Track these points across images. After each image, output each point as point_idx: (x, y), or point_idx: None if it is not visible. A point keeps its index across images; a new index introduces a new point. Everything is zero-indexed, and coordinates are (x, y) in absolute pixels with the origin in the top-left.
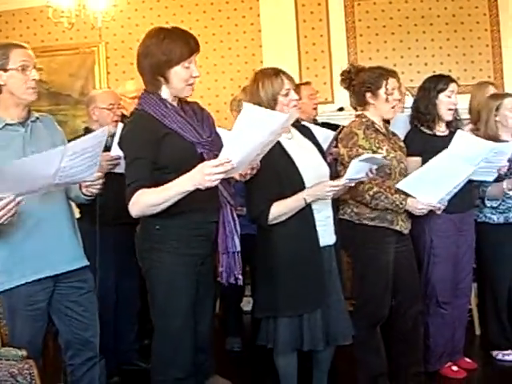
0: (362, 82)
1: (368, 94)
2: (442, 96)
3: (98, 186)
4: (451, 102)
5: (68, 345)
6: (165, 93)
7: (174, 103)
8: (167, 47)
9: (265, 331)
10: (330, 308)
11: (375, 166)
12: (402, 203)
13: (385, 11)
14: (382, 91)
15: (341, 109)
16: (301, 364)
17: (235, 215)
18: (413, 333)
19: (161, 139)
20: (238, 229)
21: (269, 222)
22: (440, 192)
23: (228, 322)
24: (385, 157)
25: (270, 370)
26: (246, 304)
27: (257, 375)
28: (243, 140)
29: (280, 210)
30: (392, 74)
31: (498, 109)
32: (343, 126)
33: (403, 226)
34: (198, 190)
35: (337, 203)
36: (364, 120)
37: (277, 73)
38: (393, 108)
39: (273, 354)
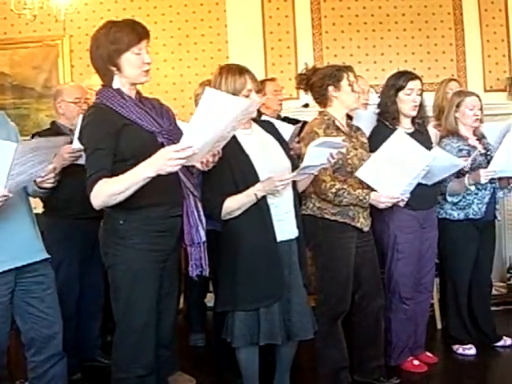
0: (322, 78)
1: (330, 88)
2: (401, 94)
3: (52, 180)
4: (411, 100)
5: (31, 342)
6: (118, 83)
7: (132, 95)
8: (115, 36)
9: (226, 325)
10: (290, 302)
11: (335, 151)
12: (365, 198)
13: (351, 8)
14: (344, 82)
15: (306, 105)
16: (264, 359)
17: (199, 206)
18: (374, 327)
19: (120, 130)
20: (203, 219)
21: (222, 217)
22: (400, 184)
23: (192, 318)
24: (346, 156)
25: (233, 364)
26: (211, 299)
27: (220, 370)
28: (205, 125)
29: (232, 204)
30: (350, 68)
31: (458, 105)
32: (304, 122)
33: (364, 223)
34: (161, 182)
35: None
36: (325, 118)
37: (242, 71)
38: (358, 99)
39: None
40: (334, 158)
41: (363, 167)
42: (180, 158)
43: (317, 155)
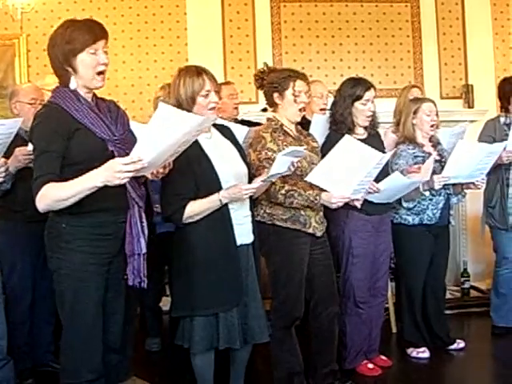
0: (270, 83)
1: (275, 95)
2: (357, 104)
3: (3, 174)
4: (367, 109)
5: None
6: (75, 84)
7: (88, 98)
8: (71, 35)
9: (181, 330)
10: (248, 306)
11: (296, 159)
12: (316, 198)
13: (310, 14)
14: (288, 92)
15: (264, 109)
16: (218, 362)
17: (143, 216)
18: (328, 333)
19: (71, 133)
20: (146, 231)
21: (183, 221)
22: (351, 183)
23: (147, 323)
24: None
25: (188, 369)
26: (167, 303)
27: (175, 375)
28: (156, 139)
29: (194, 209)
30: (301, 76)
31: (415, 112)
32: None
33: (317, 228)
34: (105, 188)
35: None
36: (273, 123)
37: (200, 72)
38: (300, 111)
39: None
40: (294, 167)
41: (313, 172)
42: (129, 171)
43: (282, 163)
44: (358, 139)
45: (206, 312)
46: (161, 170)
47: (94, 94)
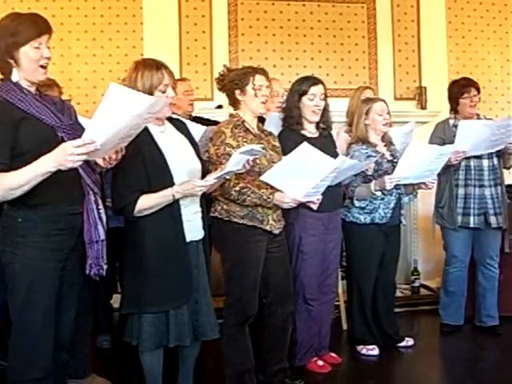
0: (231, 81)
1: (237, 92)
2: (304, 99)
3: None
4: (313, 104)
5: None
6: (17, 76)
7: (32, 90)
8: (15, 28)
9: (130, 327)
10: (198, 303)
11: (252, 158)
12: (269, 197)
13: (267, 12)
14: (249, 87)
15: (219, 106)
16: (166, 359)
17: (100, 203)
18: (282, 331)
19: (18, 123)
20: (104, 217)
21: (134, 214)
22: (304, 187)
23: (98, 320)
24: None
25: (137, 366)
26: (117, 300)
27: (124, 372)
28: (108, 120)
29: (147, 203)
30: (259, 71)
31: (367, 112)
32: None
33: (274, 225)
34: (59, 176)
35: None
36: (235, 119)
37: (159, 66)
38: (263, 103)
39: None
40: (249, 165)
41: (268, 172)
42: (81, 154)
43: (238, 161)
44: (309, 137)
45: (156, 309)
46: (113, 156)
47: (37, 88)
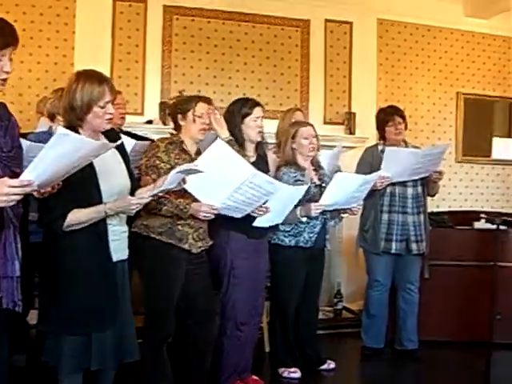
0: (175, 105)
1: (179, 116)
2: (247, 120)
3: None
4: (257, 125)
5: None
6: None
7: None
8: None
9: (49, 347)
10: (122, 324)
11: (187, 176)
12: (185, 207)
13: (202, 29)
14: (190, 113)
15: (149, 121)
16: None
17: (18, 238)
18: (203, 354)
19: None
20: (20, 253)
21: (63, 229)
22: (221, 195)
23: (12, 338)
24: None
25: None
26: (35, 317)
27: None
28: (50, 163)
29: (77, 217)
30: (204, 99)
31: (294, 136)
32: (152, 140)
33: (193, 245)
34: None
35: None
36: (174, 138)
37: (101, 80)
38: (202, 130)
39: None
40: (184, 183)
41: (189, 180)
42: (16, 194)
43: (175, 179)
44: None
45: (79, 331)
46: (48, 189)
47: None
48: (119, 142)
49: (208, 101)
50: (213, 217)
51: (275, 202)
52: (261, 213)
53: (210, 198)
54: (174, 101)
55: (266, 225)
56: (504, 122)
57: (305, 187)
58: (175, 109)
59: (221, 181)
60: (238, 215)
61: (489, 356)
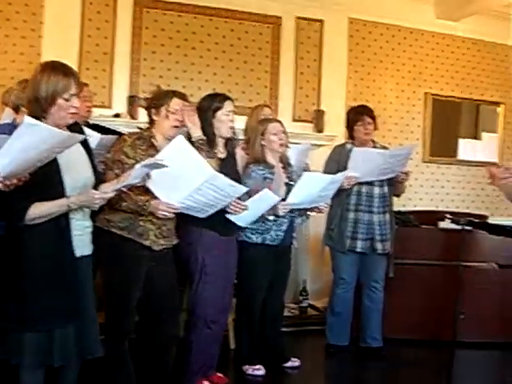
0: (150, 99)
1: (153, 111)
2: (219, 114)
3: None
4: (229, 119)
5: None
6: None
7: None
8: None
9: (9, 345)
10: (84, 320)
11: (152, 171)
12: (145, 204)
13: (173, 23)
14: (163, 108)
15: (117, 115)
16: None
17: None
18: (165, 353)
19: None
20: None
21: (24, 222)
22: (179, 194)
23: None
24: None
25: None
26: None
27: None
28: (16, 154)
29: (39, 211)
30: (178, 95)
31: (263, 133)
32: (120, 134)
33: (155, 242)
34: None
35: None
36: (144, 133)
37: (67, 73)
38: (174, 127)
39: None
40: (148, 177)
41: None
42: None
43: (139, 174)
44: (219, 158)
45: (40, 327)
46: (14, 181)
47: None
48: (86, 136)
49: (184, 97)
50: (172, 216)
51: (252, 203)
52: (237, 209)
53: (169, 197)
54: (149, 94)
55: (241, 224)
56: (470, 123)
57: (279, 198)
58: (150, 102)
59: (180, 179)
60: (201, 215)
61: (452, 354)
